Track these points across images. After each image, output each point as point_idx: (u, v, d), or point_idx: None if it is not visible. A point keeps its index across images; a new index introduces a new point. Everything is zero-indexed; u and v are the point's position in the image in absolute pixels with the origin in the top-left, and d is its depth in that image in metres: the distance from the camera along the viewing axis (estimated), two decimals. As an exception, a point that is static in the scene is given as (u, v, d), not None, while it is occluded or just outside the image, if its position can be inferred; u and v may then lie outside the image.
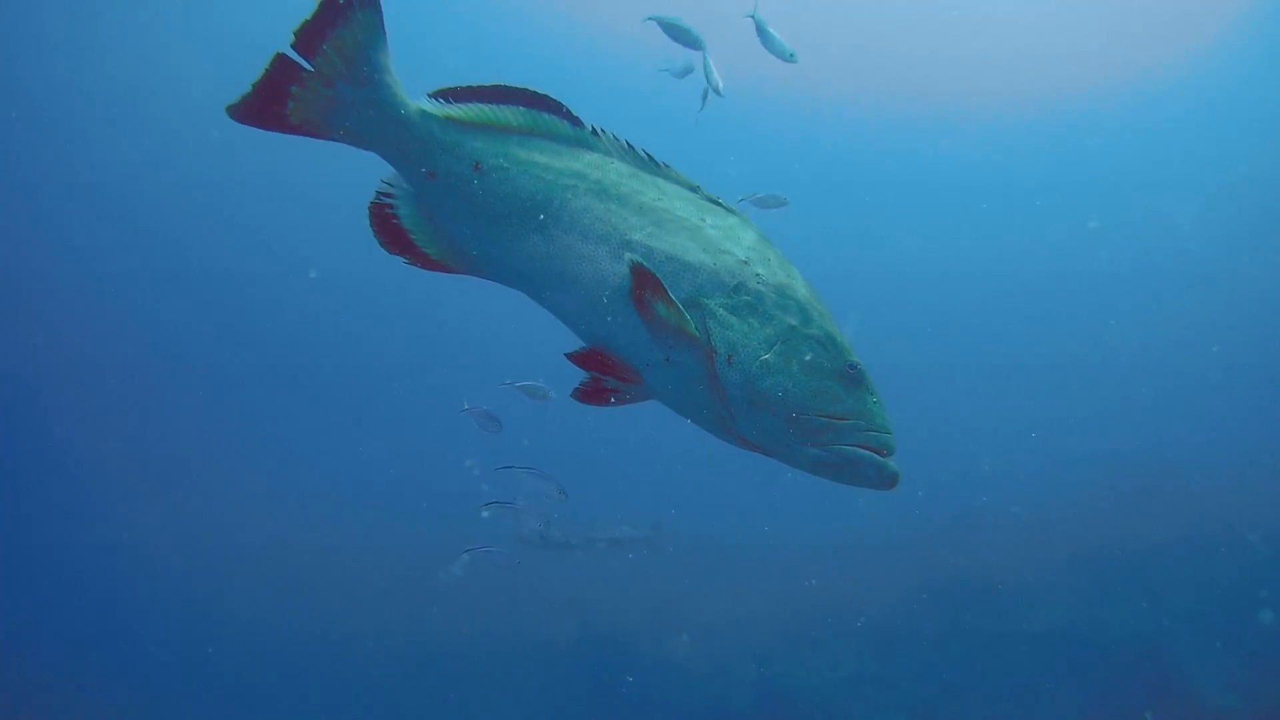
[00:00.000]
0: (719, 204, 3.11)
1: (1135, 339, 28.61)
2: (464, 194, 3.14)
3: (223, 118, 3.11)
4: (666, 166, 3.17)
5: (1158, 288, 31.06)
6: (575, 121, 3.20)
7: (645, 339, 2.89)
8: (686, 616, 14.31)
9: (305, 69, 3.06)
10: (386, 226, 3.26)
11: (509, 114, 3.20)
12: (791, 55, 8.42)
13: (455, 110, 3.20)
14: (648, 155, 3.18)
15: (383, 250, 3.26)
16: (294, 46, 3.05)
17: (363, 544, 18.38)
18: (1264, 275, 29.24)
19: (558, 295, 3.07)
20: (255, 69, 3.08)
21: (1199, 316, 29.27)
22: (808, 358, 2.78)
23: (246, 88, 3.09)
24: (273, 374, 27.83)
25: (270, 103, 3.08)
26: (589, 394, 3.12)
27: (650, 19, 8.49)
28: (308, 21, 3.03)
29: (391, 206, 3.27)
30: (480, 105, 3.21)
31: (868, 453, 2.75)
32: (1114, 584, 13.79)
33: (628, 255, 2.88)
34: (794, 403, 2.73)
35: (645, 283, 2.79)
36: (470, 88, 3.23)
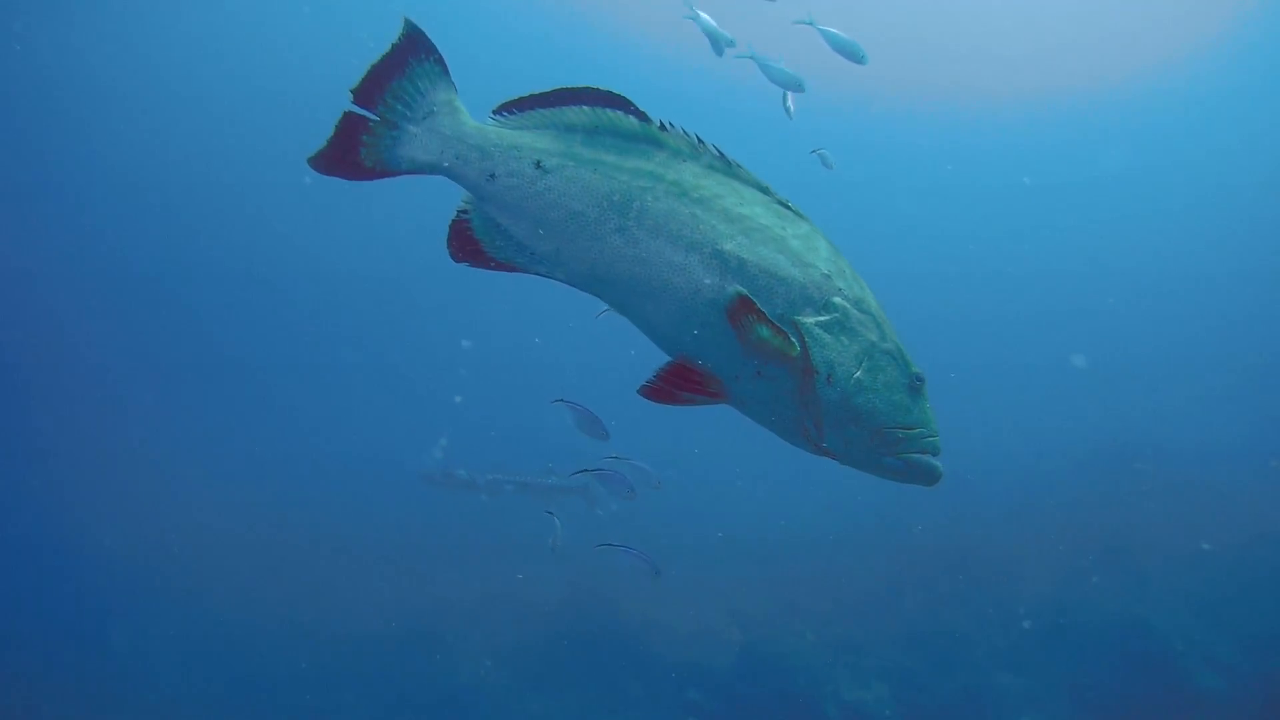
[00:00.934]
0: (789, 207, 3.09)
1: (1133, 333, 28.61)
2: (528, 193, 3.14)
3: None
4: (737, 165, 3.13)
5: (1153, 283, 31.06)
6: (642, 116, 3.17)
7: (736, 351, 2.89)
8: (674, 580, 14.32)
9: (371, 119, 3.23)
10: (461, 238, 3.29)
11: (571, 114, 3.21)
12: (862, 57, 8.73)
13: (520, 121, 3.27)
14: (719, 152, 3.13)
15: (451, 259, 3.29)
16: (355, 101, 3.23)
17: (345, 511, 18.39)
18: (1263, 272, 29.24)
19: (645, 303, 3.03)
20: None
21: (1192, 310, 29.29)
22: (889, 373, 2.87)
23: (321, 143, 3.23)
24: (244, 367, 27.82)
25: (346, 153, 3.24)
26: (659, 393, 3.05)
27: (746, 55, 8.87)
28: (364, 79, 3.22)
29: (467, 220, 3.29)
30: (541, 111, 3.25)
31: (929, 458, 2.88)
32: (1101, 563, 13.83)
33: (733, 287, 2.87)
34: (881, 417, 2.83)
35: (749, 310, 2.80)
36: (532, 96, 3.26)
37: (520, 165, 3.14)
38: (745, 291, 2.84)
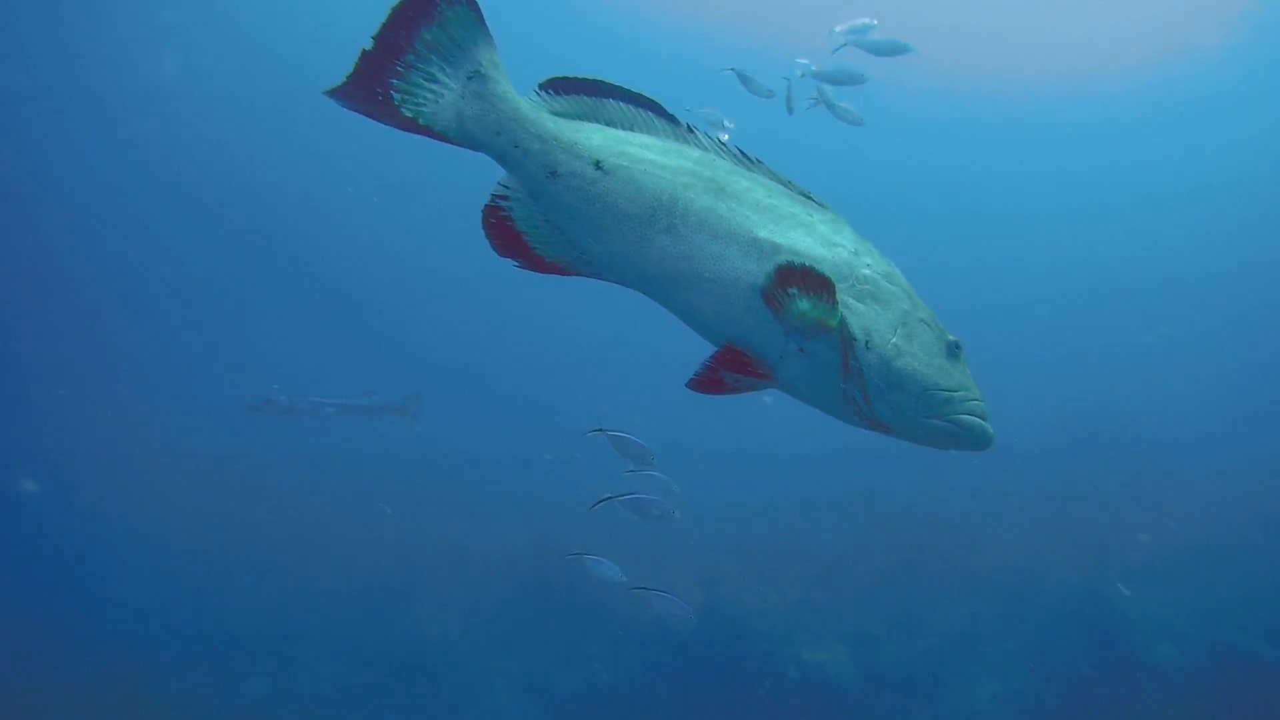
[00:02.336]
0: (811, 198, 3.14)
1: (1110, 321, 28.76)
2: (588, 194, 3.09)
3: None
4: (759, 162, 3.17)
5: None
6: (671, 119, 3.19)
7: (779, 332, 2.94)
8: (639, 541, 14.34)
9: (399, 65, 3.01)
10: (501, 230, 3.18)
11: (611, 109, 3.19)
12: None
13: (563, 104, 3.17)
14: (740, 151, 3.17)
15: (495, 253, 3.19)
16: (377, 45, 3.00)
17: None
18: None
19: (691, 296, 3.05)
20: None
21: (1171, 303, 29.48)
22: (925, 338, 2.95)
23: (342, 79, 2.99)
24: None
25: (374, 87, 3.01)
26: (707, 383, 3.10)
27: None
28: (385, 24, 2.99)
29: (505, 210, 3.18)
30: (584, 99, 3.19)
31: (977, 419, 2.94)
32: (1062, 531, 13.94)
33: (779, 258, 2.92)
34: (923, 379, 2.89)
35: (791, 279, 2.85)
36: (571, 79, 3.20)
37: (581, 165, 3.08)
38: (784, 261, 2.90)
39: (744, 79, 9.29)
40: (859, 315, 2.91)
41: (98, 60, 28.66)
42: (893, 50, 9.08)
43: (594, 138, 3.12)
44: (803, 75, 9.18)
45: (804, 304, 2.85)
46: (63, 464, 17.57)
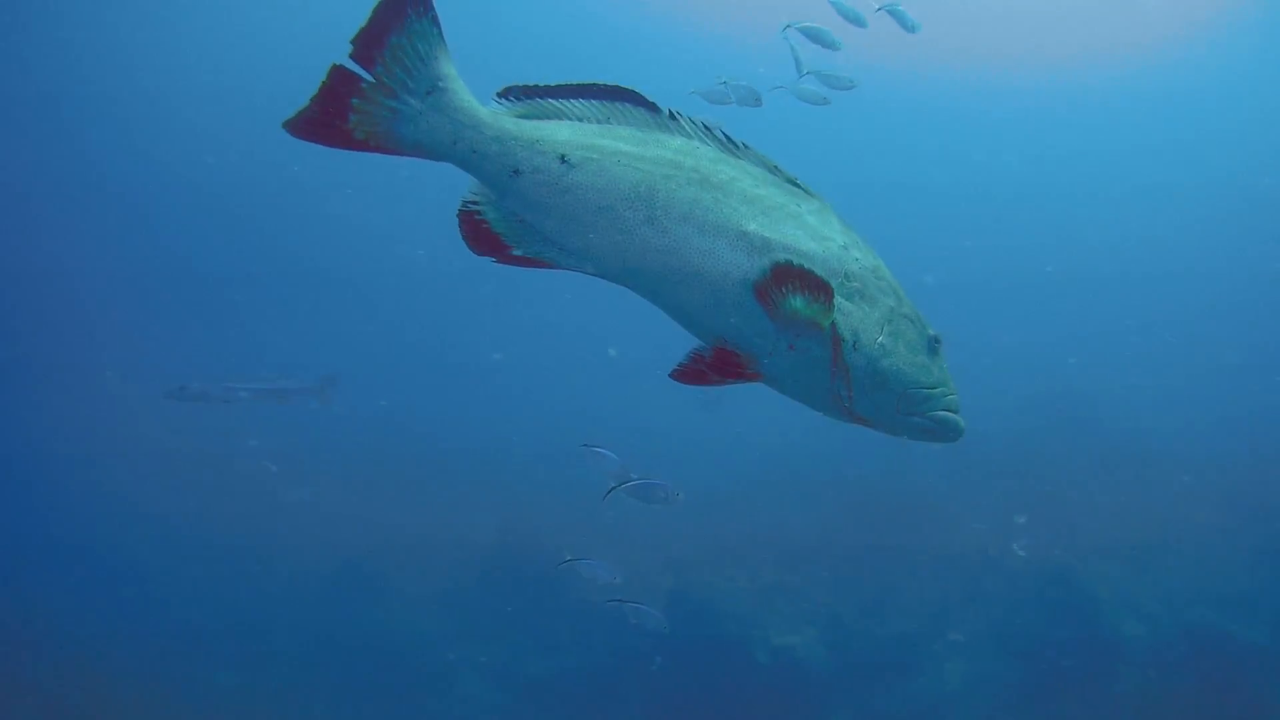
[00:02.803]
0: (798, 184, 3.12)
1: (1088, 302, 28.89)
2: (555, 189, 3.06)
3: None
4: (746, 147, 3.14)
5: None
6: (651, 107, 3.16)
7: (768, 329, 2.94)
8: (607, 525, 14.32)
9: (366, 80, 3.00)
10: (475, 231, 3.16)
11: (581, 107, 3.17)
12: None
13: (526, 108, 3.17)
14: (726, 136, 3.14)
15: (471, 252, 3.17)
16: (352, 56, 2.99)
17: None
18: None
19: (679, 291, 3.02)
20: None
21: (1155, 290, 29.64)
22: (909, 336, 2.98)
23: (304, 102, 2.98)
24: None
25: (332, 117, 3.01)
26: (690, 375, 3.12)
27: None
28: (363, 29, 2.97)
29: (479, 213, 3.16)
30: (550, 101, 3.18)
31: (951, 415, 2.99)
32: (1030, 510, 13.98)
33: (764, 261, 2.92)
34: (905, 379, 2.92)
35: (788, 276, 2.85)
36: (535, 86, 3.20)
37: (545, 161, 3.06)
38: (780, 260, 2.89)
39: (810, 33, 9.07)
40: (848, 315, 2.91)
41: (91, 55, 28.58)
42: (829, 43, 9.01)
43: (559, 133, 3.10)
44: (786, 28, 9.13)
45: (798, 303, 2.84)
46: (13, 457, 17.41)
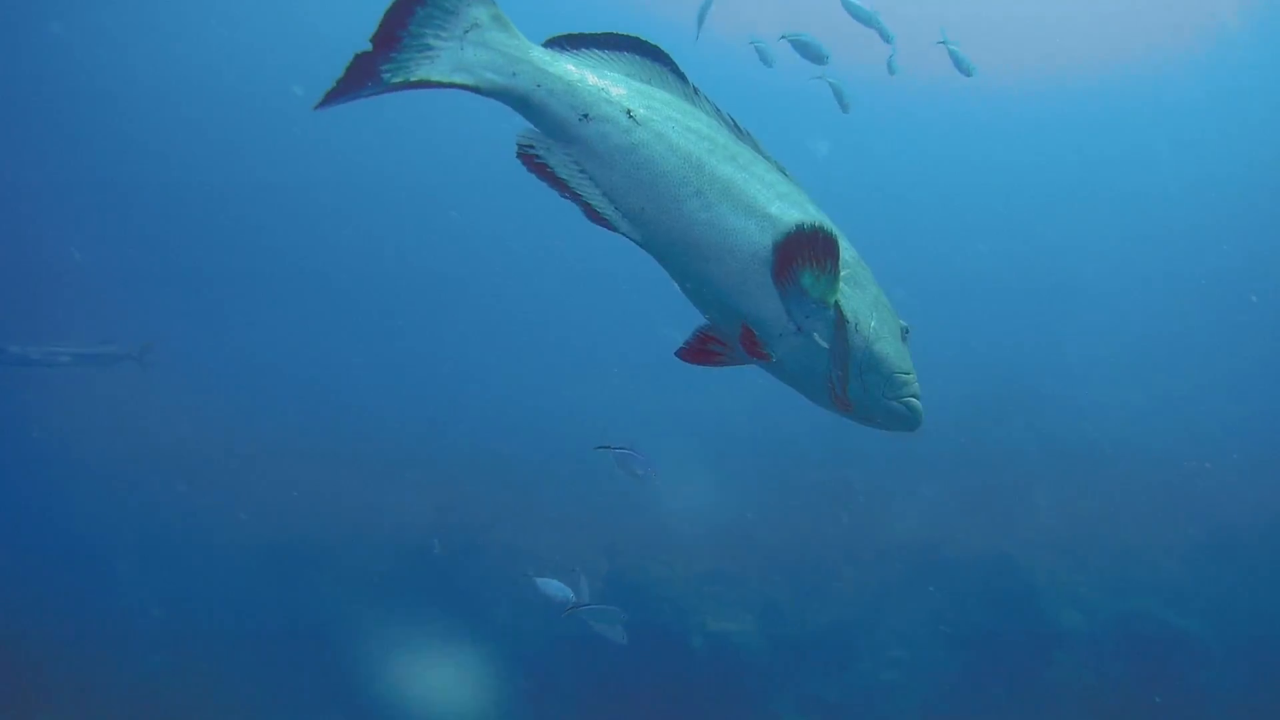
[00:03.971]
0: (785, 173, 3.11)
1: (1035, 293, 29.15)
2: (623, 144, 2.93)
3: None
4: (748, 134, 3.10)
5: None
6: (682, 77, 3.08)
7: (779, 310, 2.95)
8: (544, 510, 14.23)
9: (393, 53, 2.82)
10: (544, 174, 2.98)
11: (626, 62, 3.07)
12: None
13: (573, 58, 3.01)
14: (733, 121, 3.09)
15: (559, 197, 2.99)
16: (375, 46, 2.81)
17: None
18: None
19: (711, 267, 2.98)
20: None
21: (1105, 280, 29.95)
22: (890, 323, 3.02)
23: (330, 84, 2.80)
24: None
25: (364, 78, 2.81)
26: (696, 353, 3.21)
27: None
28: (383, 21, 2.81)
29: (539, 156, 2.97)
30: (598, 52, 3.05)
31: (919, 402, 3.03)
32: (969, 500, 14.05)
33: (815, 216, 2.95)
34: (891, 363, 2.95)
35: (801, 245, 2.87)
36: (583, 35, 3.05)
37: (613, 110, 2.93)
38: (818, 222, 2.91)
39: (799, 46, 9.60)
40: (849, 299, 2.94)
41: (88, 54, 28.34)
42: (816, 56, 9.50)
43: (619, 85, 2.99)
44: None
45: (807, 278, 2.87)
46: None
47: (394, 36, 2.80)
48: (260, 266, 29.16)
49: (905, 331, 3.08)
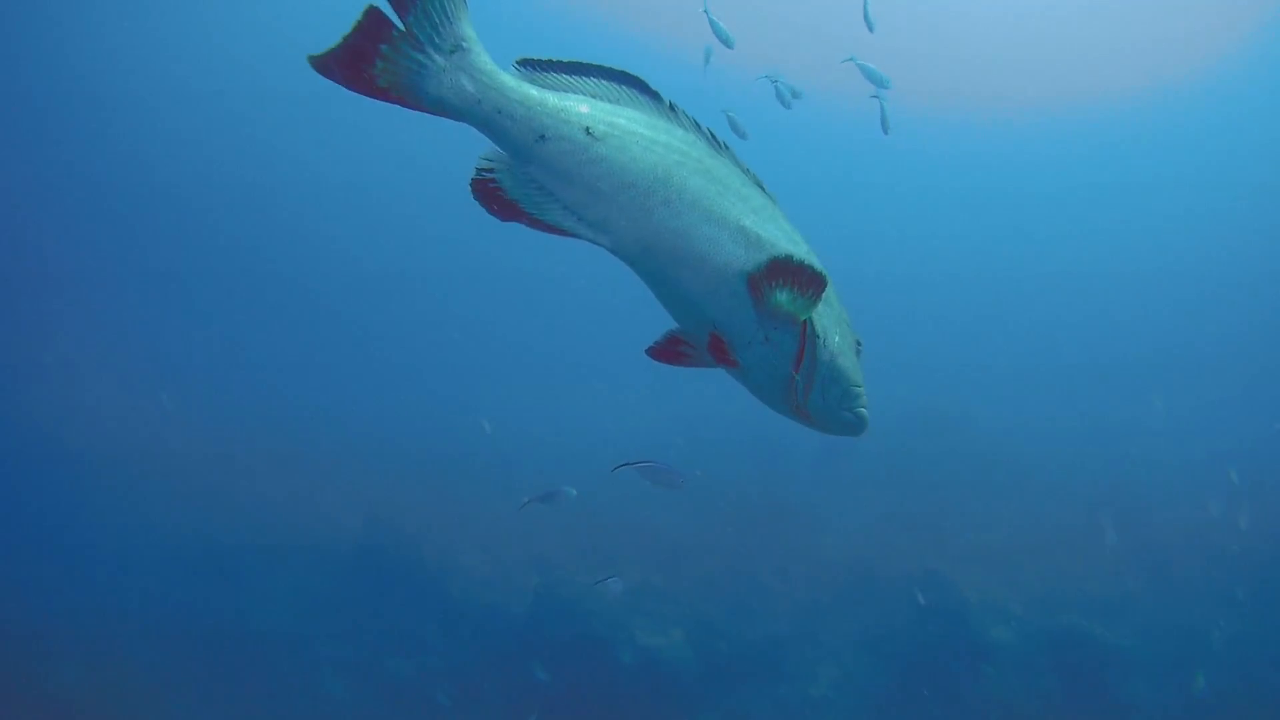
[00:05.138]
0: (763, 188, 3.23)
1: (956, 316, 29.39)
2: (581, 160, 3.05)
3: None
4: (726, 147, 3.21)
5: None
6: (655, 96, 3.20)
7: (750, 320, 3.07)
8: (474, 524, 14.12)
9: (397, 28, 2.90)
10: (494, 199, 3.08)
11: (593, 85, 3.18)
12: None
13: (540, 79, 3.13)
14: (712, 134, 3.20)
15: (495, 219, 3.10)
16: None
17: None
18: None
19: (684, 274, 3.10)
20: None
21: (1023, 299, 30.26)
22: (848, 337, 3.20)
23: (335, 40, 2.87)
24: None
25: (358, 59, 2.91)
26: (666, 354, 3.31)
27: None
28: None
29: (494, 181, 3.09)
30: (564, 76, 3.17)
31: (866, 412, 3.20)
32: (900, 517, 14.14)
33: (766, 250, 3.05)
34: (850, 376, 3.13)
35: (782, 273, 3.01)
36: (551, 60, 3.17)
37: (570, 130, 3.04)
38: (780, 254, 3.03)
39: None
40: (819, 315, 3.08)
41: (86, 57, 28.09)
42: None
43: (580, 106, 3.09)
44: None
45: (784, 297, 3.00)
46: None
47: (405, 4, 2.88)
48: (203, 264, 28.92)
49: (858, 346, 3.24)
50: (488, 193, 3.08)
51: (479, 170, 3.09)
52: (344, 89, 2.91)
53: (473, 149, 3.04)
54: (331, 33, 2.87)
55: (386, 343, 26.00)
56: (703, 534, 14.07)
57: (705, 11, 9.83)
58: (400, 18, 2.90)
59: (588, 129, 3.04)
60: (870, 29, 10.64)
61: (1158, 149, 36.65)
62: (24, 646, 11.33)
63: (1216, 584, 12.64)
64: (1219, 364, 24.23)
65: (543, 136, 3.03)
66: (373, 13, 2.87)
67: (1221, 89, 34.52)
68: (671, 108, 3.19)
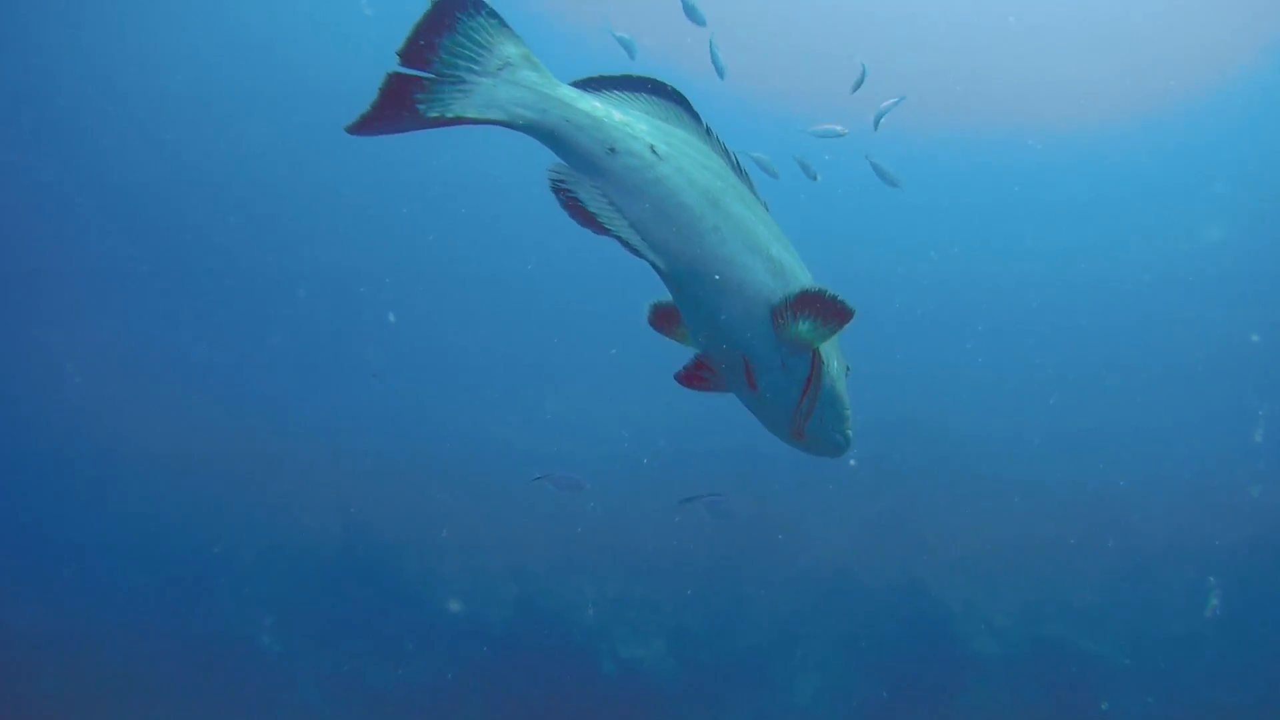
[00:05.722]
0: (768, 209, 3.27)
1: (938, 328, 29.49)
2: (647, 177, 3.03)
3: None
4: (745, 174, 3.25)
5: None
6: (695, 116, 3.21)
7: (772, 347, 3.09)
8: (453, 534, 14.04)
9: (425, 78, 2.89)
10: (575, 211, 3.03)
11: (644, 102, 3.20)
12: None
13: (599, 94, 3.14)
14: (736, 161, 3.23)
15: (591, 233, 3.06)
16: (403, 64, 2.87)
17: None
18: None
19: (722, 300, 3.09)
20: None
21: (989, 313, 30.39)
22: (841, 363, 3.28)
23: (365, 108, 2.86)
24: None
25: (398, 109, 2.89)
26: (691, 379, 3.39)
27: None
28: (409, 38, 2.87)
29: (570, 191, 3.03)
30: (617, 92, 3.19)
31: (851, 433, 3.29)
32: (883, 526, 14.13)
33: (794, 281, 3.11)
34: (844, 400, 3.23)
35: (810, 303, 3.02)
36: (604, 77, 3.19)
37: (638, 145, 3.03)
38: (810, 287, 3.05)
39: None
40: (826, 343, 3.15)
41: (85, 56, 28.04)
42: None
43: (642, 122, 3.11)
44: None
45: (805, 327, 3.02)
46: None
47: (425, 60, 2.87)
48: (178, 269, 28.83)
49: (848, 370, 3.32)
50: (569, 201, 3.03)
51: (553, 181, 3.04)
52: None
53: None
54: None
55: (366, 349, 25.90)
56: (683, 543, 14.02)
57: (710, 44, 9.78)
58: (424, 70, 2.86)
59: (652, 146, 3.03)
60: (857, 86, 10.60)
61: (1131, 163, 36.86)
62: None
63: (1199, 593, 12.67)
64: (1201, 372, 24.33)
65: (613, 149, 3.01)
66: (394, 77, 2.85)
67: (1229, 103, 34.69)
68: (709, 131, 3.20)
